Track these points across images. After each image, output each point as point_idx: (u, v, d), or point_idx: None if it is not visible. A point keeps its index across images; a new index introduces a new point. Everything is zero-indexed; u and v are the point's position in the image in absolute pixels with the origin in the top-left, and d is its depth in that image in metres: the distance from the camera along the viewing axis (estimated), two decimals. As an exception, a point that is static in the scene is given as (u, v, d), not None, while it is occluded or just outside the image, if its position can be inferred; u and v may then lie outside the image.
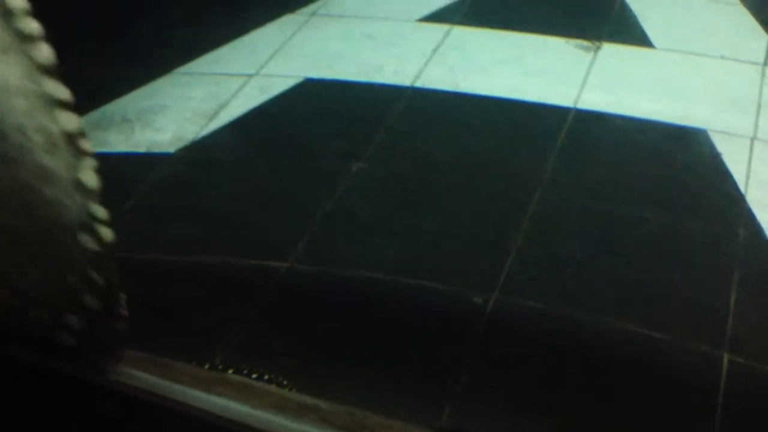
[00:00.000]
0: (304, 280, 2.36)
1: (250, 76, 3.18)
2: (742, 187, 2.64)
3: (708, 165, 2.75)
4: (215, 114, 2.97)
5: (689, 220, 2.54)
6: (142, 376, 0.68)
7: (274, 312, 2.28)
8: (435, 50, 3.33)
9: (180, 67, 3.18)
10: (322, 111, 3.03)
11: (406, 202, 2.64)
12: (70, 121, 0.68)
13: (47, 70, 0.66)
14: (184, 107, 2.98)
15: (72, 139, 0.69)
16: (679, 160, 2.78)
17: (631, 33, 3.43)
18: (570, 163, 2.77)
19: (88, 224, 0.71)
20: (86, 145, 0.70)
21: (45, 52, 0.66)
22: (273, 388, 0.71)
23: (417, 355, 2.16)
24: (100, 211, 0.71)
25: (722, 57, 3.28)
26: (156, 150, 2.78)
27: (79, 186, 0.70)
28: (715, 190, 2.65)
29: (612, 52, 3.32)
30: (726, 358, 2.12)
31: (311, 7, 3.59)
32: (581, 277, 2.37)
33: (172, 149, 2.80)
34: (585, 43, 3.36)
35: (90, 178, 0.70)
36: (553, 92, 3.09)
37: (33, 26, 0.65)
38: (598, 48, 3.33)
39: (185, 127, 2.88)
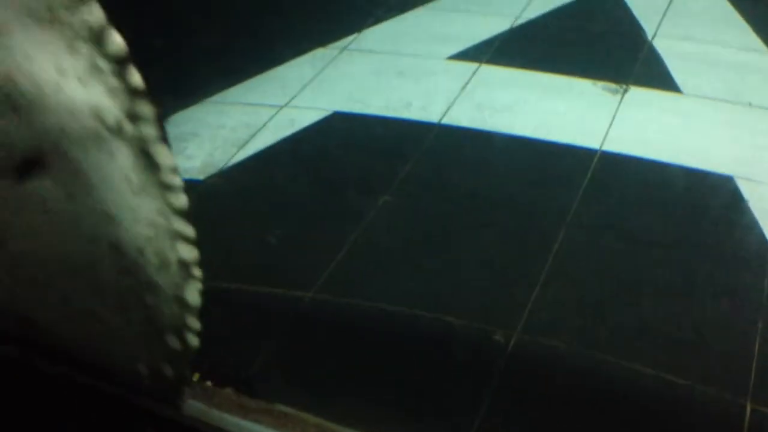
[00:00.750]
0: (327, 311, 2.38)
1: (280, 107, 3.24)
2: (767, 235, 2.64)
3: (734, 211, 2.75)
4: (245, 143, 3.02)
5: (714, 266, 2.54)
6: (194, 405, 0.71)
7: (295, 340, 2.29)
8: (463, 88, 3.37)
9: (213, 96, 3.25)
10: (349, 144, 3.07)
11: (430, 237, 2.66)
12: (188, 252, 0.76)
13: (180, 212, 0.74)
14: (215, 135, 3.04)
15: (186, 265, 0.76)
16: (705, 205, 2.78)
17: (659, 77, 3.46)
18: (595, 204, 2.78)
19: (179, 330, 0.77)
20: (197, 271, 0.77)
21: (182, 200, 0.75)
22: (309, 417, 0.73)
23: (436, 390, 2.16)
24: (194, 323, 0.77)
25: (750, 104, 3.29)
26: (186, 176, 2.81)
27: (181, 301, 0.77)
28: (741, 237, 2.65)
29: (639, 95, 3.34)
30: (749, 407, 2.10)
31: (343, 42, 3.65)
32: (603, 319, 2.36)
33: (201, 176, 2.85)
34: (612, 85, 3.39)
35: (193, 297, 0.77)
36: (579, 133, 3.11)
37: (176, 181, 0.75)
38: (626, 91, 3.36)
39: (215, 155, 2.94)
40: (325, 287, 2.43)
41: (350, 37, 3.67)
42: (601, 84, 3.40)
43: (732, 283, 2.48)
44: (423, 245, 2.62)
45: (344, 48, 3.62)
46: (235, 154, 2.97)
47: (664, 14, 3.85)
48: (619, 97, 3.32)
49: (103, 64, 0.69)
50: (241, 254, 2.55)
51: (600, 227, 2.68)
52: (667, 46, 3.63)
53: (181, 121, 3.06)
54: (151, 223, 0.75)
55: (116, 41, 0.70)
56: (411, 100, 3.29)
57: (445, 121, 3.18)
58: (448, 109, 3.24)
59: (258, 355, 2.21)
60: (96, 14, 0.70)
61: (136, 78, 0.71)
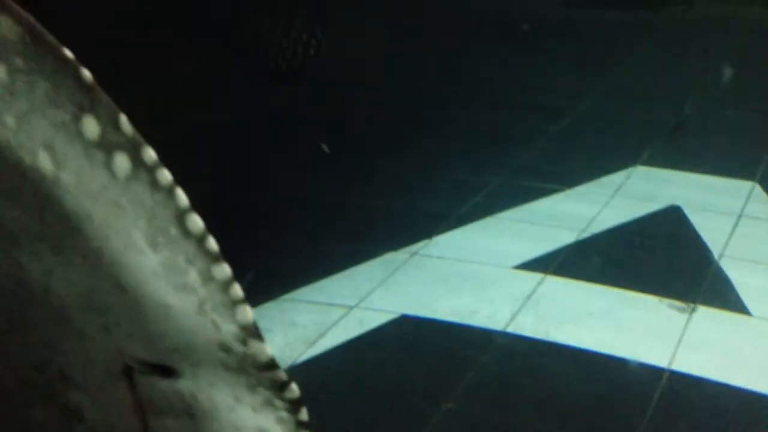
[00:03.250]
0: None
1: (350, 308, 3.34)
2: None
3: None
4: (315, 341, 3.10)
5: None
6: None
7: None
8: (528, 298, 3.43)
9: (287, 294, 3.37)
10: (415, 348, 3.12)
11: (493, 449, 2.62)
12: None
13: None
14: (287, 332, 3.13)
15: None
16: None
17: (727, 298, 3.46)
18: (662, 424, 2.71)
19: None
20: None
21: None
22: None
23: None
24: None
25: (822, 331, 3.24)
26: (255, 371, 2.89)
27: None
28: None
29: (707, 315, 3.33)
30: None
31: (413, 247, 3.79)
32: None
33: (270, 372, 2.91)
34: (679, 303, 3.40)
35: None
36: (646, 351, 3.09)
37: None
38: (693, 310, 3.36)
39: (286, 351, 3.01)
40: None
41: (421, 243, 3.81)
42: (667, 301, 3.41)
43: None
44: (486, 457, 2.58)
45: (414, 253, 3.76)
46: (305, 351, 3.04)
47: (731, 235, 3.91)
48: (686, 315, 3.32)
49: (278, 402, 0.81)
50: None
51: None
52: (734, 267, 3.66)
53: (256, 317, 3.18)
54: None
55: (294, 391, 0.83)
56: (477, 307, 3.35)
57: (510, 329, 3.22)
58: (513, 318, 3.29)
59: None
60: (279, 375, 0.84)
61: (304, 413, 0.84)
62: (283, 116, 5.11)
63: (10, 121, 0.72)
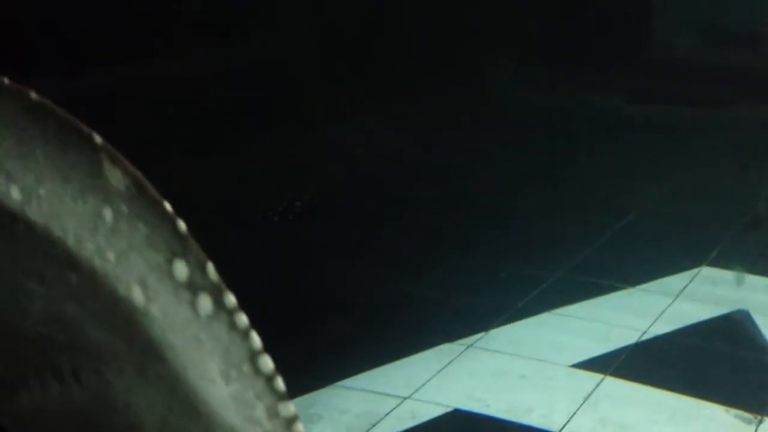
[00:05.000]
0: None
1: (403, 398, 3.30)
2: None
3: None
4: (366, 431, 3.08)
5: None
6: None
7: None
8: (586, 399, 3.34)
9: (341, 381, 3.35)
10: (467, 444, 3.06)
11: None
12: None
13: None
14: (338, 420, 3.10)
15: None
16: None
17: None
18: None
19: None
20: None
21: None
22: None
23: None
24: None
25: None
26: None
27: None
28: None
29: (775, 428, 3.19)
30: None
31: (469, 339, 3.74)
32: None
33: (320, 461, 2.89)
34: (746, 414, 3.26)
35: None
36: (710, 464, 2.96)
37: None
38: (760, 422, 3.22)
39: (336, 441, 2.99)
40: None
41: (477, 335, 3.77)
42: (734, 411, 3.28)
43: None
44: None
45: (470, 345, 3.71)
46: (355, 442, 3.01)
47: (801, 345, 3.77)
48: (753, 427, 3.18)
49: None
50: None
51: None
52: (804, 378, 3.51)
53: (309, 403, 3.16)
54: None
55: None
56: (532, 405, 3.27)
57: (567, 431, 3.13)
58: (569, 420, 3.20)
59: None
60: None
61: None
62: (347, 204, 5.20)
63: (111, 256, 0.83)
